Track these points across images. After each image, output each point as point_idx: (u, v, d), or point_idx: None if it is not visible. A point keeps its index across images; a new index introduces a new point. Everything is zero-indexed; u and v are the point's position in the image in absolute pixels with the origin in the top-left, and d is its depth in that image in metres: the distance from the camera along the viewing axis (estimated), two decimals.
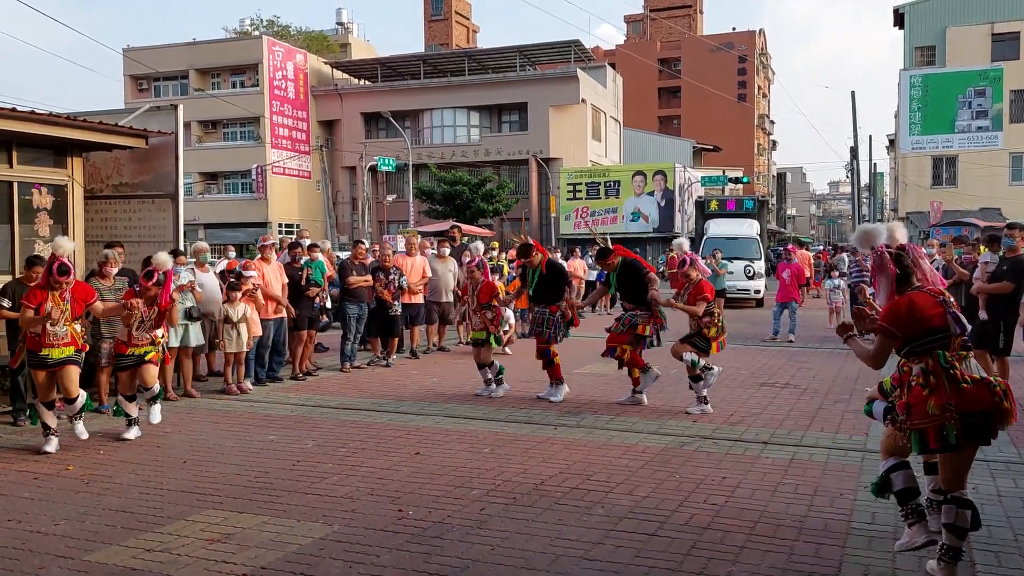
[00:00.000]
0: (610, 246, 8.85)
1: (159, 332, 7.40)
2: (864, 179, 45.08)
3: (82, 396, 6.98)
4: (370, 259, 12.89)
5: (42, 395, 6.82)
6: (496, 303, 9.54)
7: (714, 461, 6.34)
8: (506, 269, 15.90)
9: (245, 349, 9.50)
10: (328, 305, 11.91)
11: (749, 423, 7.71)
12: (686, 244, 8.61)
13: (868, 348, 4.39)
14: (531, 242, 9.19)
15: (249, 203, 45.44)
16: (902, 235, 4.42)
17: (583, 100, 45.26)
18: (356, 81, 51.65)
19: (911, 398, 4.10)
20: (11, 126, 7.98)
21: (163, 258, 7.33)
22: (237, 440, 7.17)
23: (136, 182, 10.03)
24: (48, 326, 6.64)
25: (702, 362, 8.15)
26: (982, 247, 10.93)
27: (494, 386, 9.23)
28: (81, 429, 7.04)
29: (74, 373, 6.88)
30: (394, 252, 12.29)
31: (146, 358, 7.31)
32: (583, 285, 19.07)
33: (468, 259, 10.63)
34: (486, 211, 38.63)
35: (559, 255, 18.61)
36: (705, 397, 8.22)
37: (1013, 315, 8.83)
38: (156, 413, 7.35)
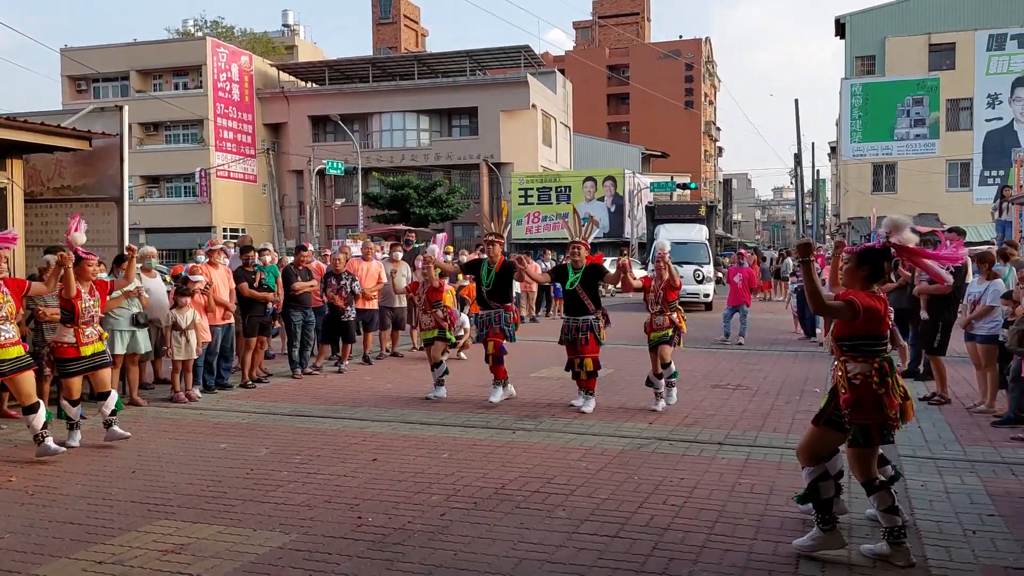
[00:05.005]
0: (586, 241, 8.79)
1: (98, 326, 7.11)
2: (807, 185, 46.14)
3: (43, 406, 6.62)
4: (315, 263, 12.71)
5: None
6: (444, 288, 9.62)
7: (671, 462, 6.39)
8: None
9: (194, 356, 9.28)
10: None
11: (704, 424, 7.80)
12: (667, 245, 8.87)
13: (823, 290, 4.47)
14: (503, 234, 9.18)
15: (193, 207, 44.51)
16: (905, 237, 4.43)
17: (533, 105, 45.44)
18: (303, 84, 51.04)
19: (858, 395, 4.30)
20: None
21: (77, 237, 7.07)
22: (188, 449, 6.99)
23: (79, 185, 9.75)
24: None
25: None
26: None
27: (437, 387, 9.20)
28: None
29: (31, 378, 6.57)
30: (347, 258, 12.11)
31: (99, 360, 7.03)
32: (534, 289, 19.08)
33: (422, 262, 10.56)
34: (433, 216, 38.48)
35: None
36: (662, 393, 8.52)
37: (951, 315, 9.13)
38: (119, 429, 7.04)
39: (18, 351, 6.46)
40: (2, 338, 6.31)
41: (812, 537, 4.45)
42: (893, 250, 4.43)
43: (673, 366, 8.66)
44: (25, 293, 6.81)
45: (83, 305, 6.92)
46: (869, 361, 4.32)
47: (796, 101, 38.67)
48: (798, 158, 41.37)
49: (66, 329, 6.96)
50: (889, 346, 4.49)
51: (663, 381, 8.51)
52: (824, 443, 4.53)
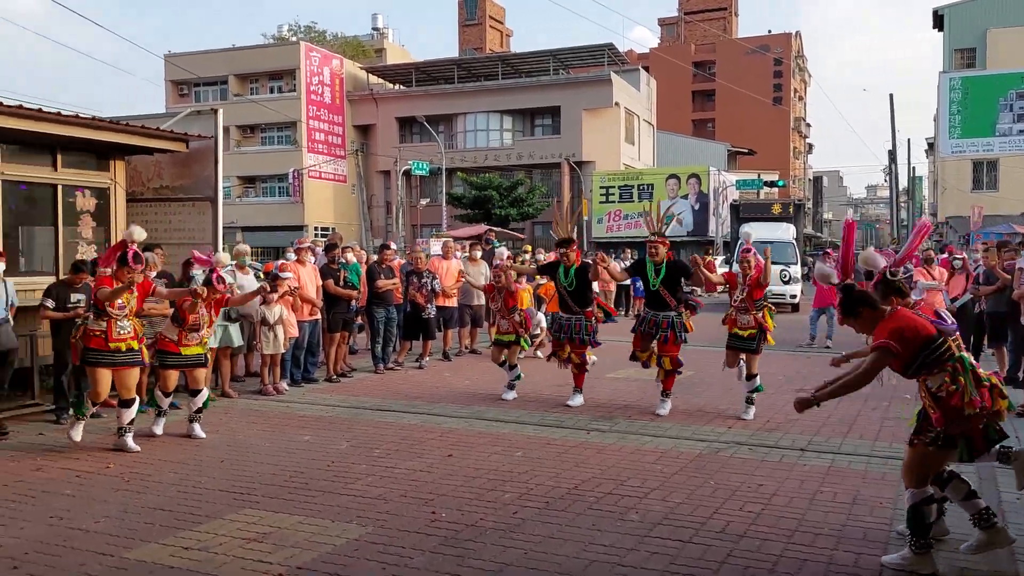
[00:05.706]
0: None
1: (205, 332, 7.47)
2: (903, 183, 44.38)
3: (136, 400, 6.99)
4: (400, 261, 12.94)
5: (98, 396, 6.82)
6: (518, 288, 9.62)
7: (750, 468, 6.27)
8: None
9: (282, 350, 9.60)
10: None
11: (785, 429, 7.61)
12: (752, 235, 8.65)
13: (850, 377, 4.42)
14: (574, 236, 9.04)
15: (286, 207, 45.93)
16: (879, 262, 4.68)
17: (616, 103, 45.11)
18: (391, 85, 51.99)
19: (949, 408, 4.13)
20: (56, 130, 8.16)
21: (221, 257, 7.75)
22: (273, 440, 7.24)
23: (176, 185, 10.18)
24: (114, 320, 6.67)
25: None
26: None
27: (508, 391, 9.23)
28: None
29: (136, 374, 6.98)
30: (428, 256, 12.33)
31: (196, 361, 7.38)
32: (612, 288, 18.93)
33: (498, 262, 10.64)
34: (513, 216, 38.65)
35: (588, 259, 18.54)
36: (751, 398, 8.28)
37: None
38: (200, 429, 7.34)
39: (133, 345, 6.87)
40: (117, 333, 6.72)
41: (903, 556, 4.28)
42: (891, 276, 4.53)
43: (758, 379, 8.31)
44: (149, 294, 7.20)
45: (195, 316, 7.28)
46: (943, 368, 4.19)
47: (891, 96, 37.08)
48: (892, 155, 39.78)
49: (172, 327, 7.35)
50: (952, 341, 4.27)
51: (744, 390, 8.27)
52: (933, 459, 4.29)
